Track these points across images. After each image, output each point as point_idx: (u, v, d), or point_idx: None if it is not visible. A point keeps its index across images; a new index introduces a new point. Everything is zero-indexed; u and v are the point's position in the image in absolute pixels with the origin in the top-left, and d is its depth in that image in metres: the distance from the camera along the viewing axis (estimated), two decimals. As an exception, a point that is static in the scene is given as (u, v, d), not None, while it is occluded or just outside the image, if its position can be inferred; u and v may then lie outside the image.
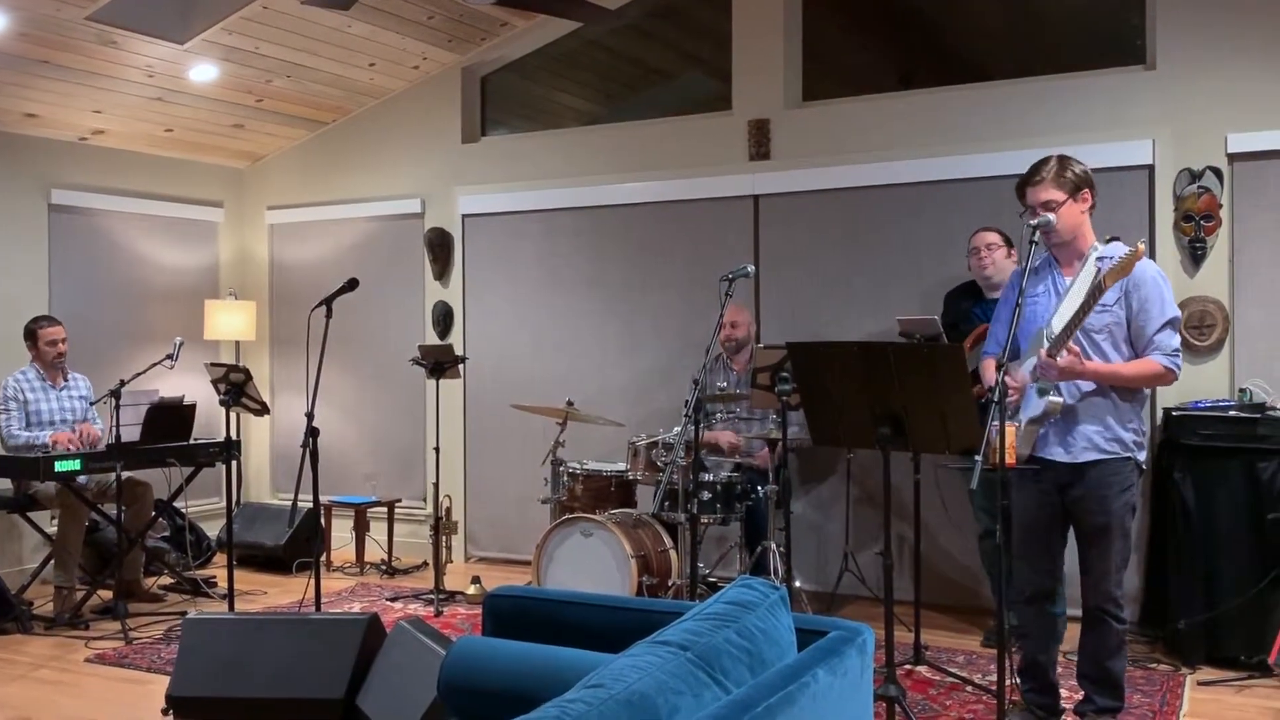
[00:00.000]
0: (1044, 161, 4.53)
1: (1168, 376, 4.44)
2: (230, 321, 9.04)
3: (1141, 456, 4.54)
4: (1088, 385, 4.44)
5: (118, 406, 6.63)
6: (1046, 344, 4.39)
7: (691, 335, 7.63)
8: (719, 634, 2.54)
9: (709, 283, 6.98)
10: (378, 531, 8.58)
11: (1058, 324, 4.42)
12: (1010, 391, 4.41)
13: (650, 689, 2.25)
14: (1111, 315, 4.42)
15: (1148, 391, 4.73)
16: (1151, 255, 6.26)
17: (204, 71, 7.74)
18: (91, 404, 7.40)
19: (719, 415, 7.10)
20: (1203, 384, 6.34)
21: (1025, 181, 4.54)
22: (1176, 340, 4.43)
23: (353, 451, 9.19)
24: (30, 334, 7.17)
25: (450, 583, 7.53)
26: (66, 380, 7.31)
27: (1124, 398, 4.48)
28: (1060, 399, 4.42)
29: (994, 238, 6.19)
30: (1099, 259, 4.47)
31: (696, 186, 7.82)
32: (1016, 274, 4.82)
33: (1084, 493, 4.48)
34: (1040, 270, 4.67)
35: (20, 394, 7.05)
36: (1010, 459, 4.16)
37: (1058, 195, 4.44)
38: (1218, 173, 6.38)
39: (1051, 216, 4.41)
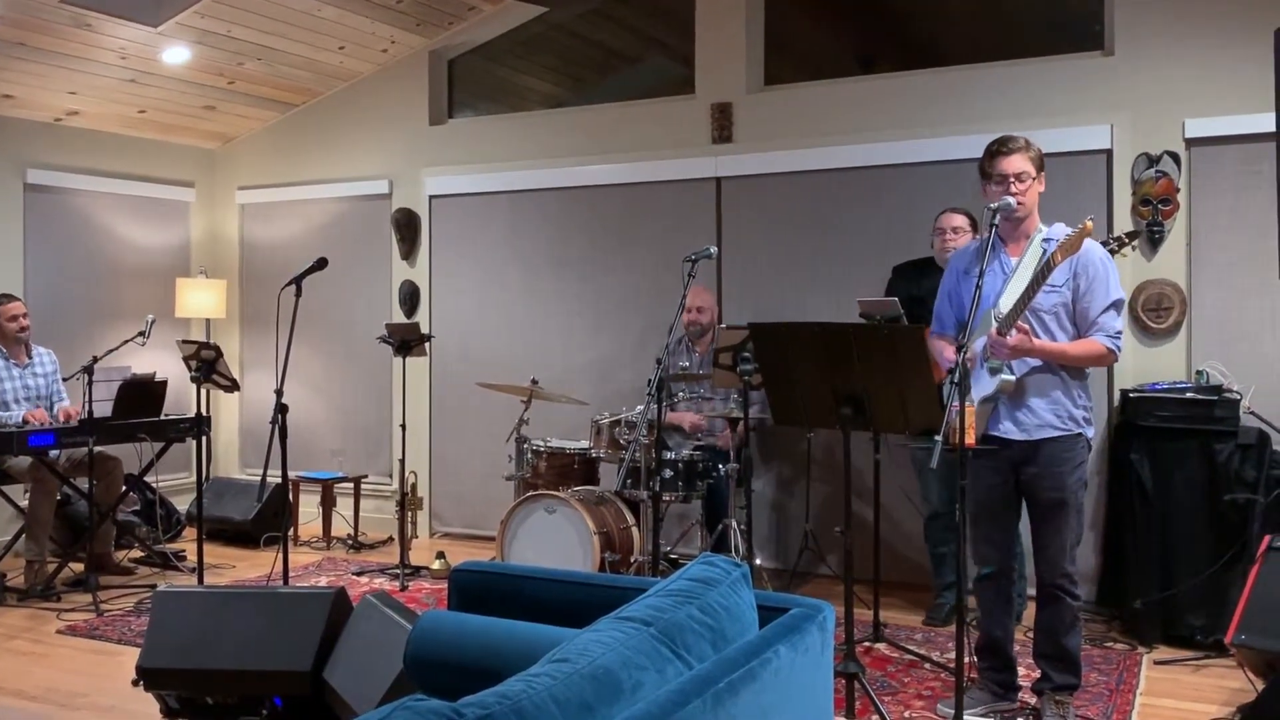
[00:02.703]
0: (1011, 135, 4.55)
1: (1109, 357, 4.52)
2: (201, 300, 9.10)
3: (1090, 433, 4.59)
4: (1035, 361, 4.48)
5: (90, 382, 6.69)
6: (995, 323, 4.41)
7: (655, 316, 7.73)
8: (682, 610, 2.55)
9: (672, 264, 7.10)
10: (344, 507, 8.66)
11: (1005, 303, 4.45)
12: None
13: (614, 663, 2.26)
14: (1059, 295, 4.47)
15: (1091, 370, 4.81)
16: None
17: (176, 54, 7.80)
18: (63, 380, 7.47)
19: (681, 394, 7.18)
20: (1160, 366, 6.42)
21: (999, 149, 4.52)
22: (1119, 323, 4.48)
23: (320, 428, 9.28)
24: None
25: (415, 558, 7.62)
26: (31, 357, 7.34)
27: (1072, 376, 4.54)
28: (1012, 377, 4.46)
29: (960, 220, 6.14)
30: (1045, 240, 4.50)
31: (660, 169, 7.90)
32: (960, 254, 4.88)
33: (1039, 469, 4.53)
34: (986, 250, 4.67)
35: (-17, 372, 7.12)
36: (970, 439, 4.16)
37: (1029, 168, 4.48)
38: (1175, 157, 6.45)
39: (1012, 200, 4.43)
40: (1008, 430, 4.57)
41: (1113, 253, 4.40)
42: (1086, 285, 4.46)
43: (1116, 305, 4.49)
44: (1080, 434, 4.55)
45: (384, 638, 4.34)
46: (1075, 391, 4.56)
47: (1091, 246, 4.46)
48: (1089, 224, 4.20)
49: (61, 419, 7.08)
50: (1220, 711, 4.87)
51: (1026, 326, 4.39)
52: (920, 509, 6.45)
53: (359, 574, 7.49)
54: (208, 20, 7.43)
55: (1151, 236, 6.50)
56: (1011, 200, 4.45)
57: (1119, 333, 4.49)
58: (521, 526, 6.66)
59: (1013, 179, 4.49)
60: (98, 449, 6.86)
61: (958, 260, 4.89)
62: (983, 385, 4.54)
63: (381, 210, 8.98)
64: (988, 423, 4.59)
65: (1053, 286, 4.42)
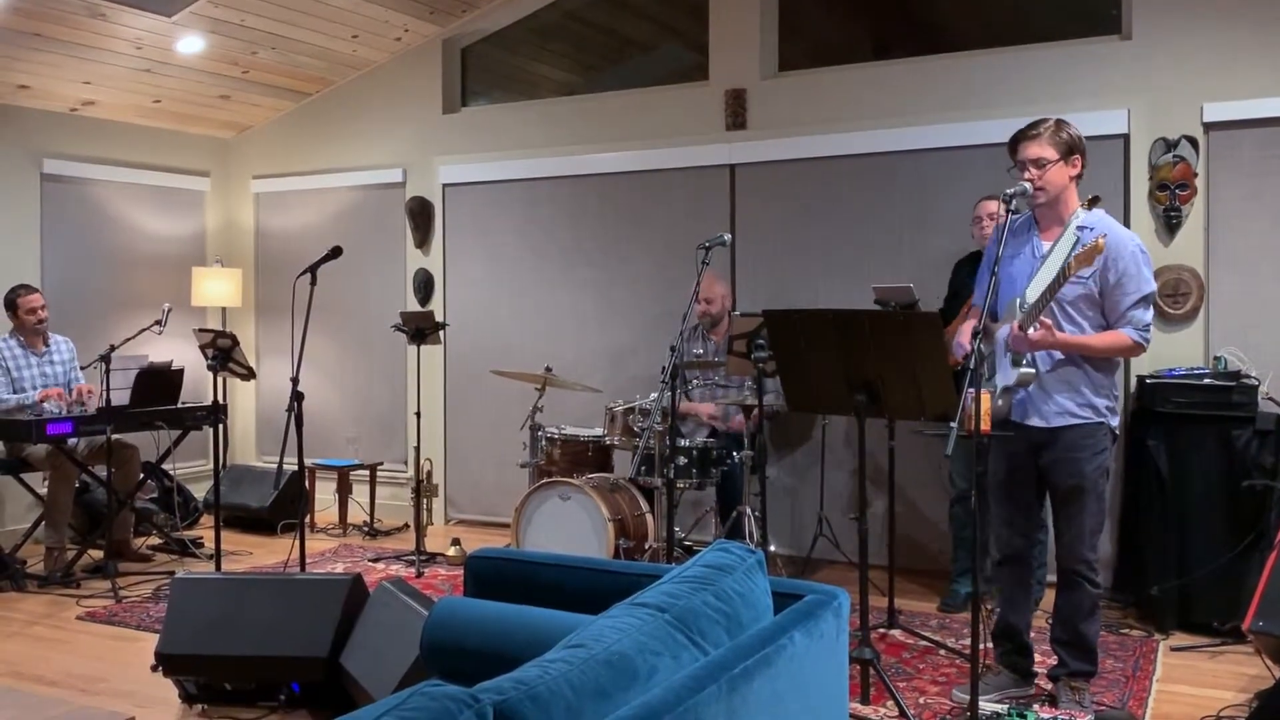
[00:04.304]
0: (1042, 119, 4.52)
1: (1137, 350, 4.46)
2: (217, 288, 9.13)
3: (1114, 422, 4.54)
4: (1059, 354, 4.46)
5: (108, 371, 6.72)
6: (1020, 314, 4.38)
7: (668, 303, 7.74)
8: (697, 596, 2.58)
9: (686, 251, 7.10)
10: (360, 494, 8.71)
11: (1031, 294, 4.40)
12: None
13: (630, 649, 2.29)
14: (1084, 287, 4.41)
15: (1120, 359, 4.78)
16: (1126, 224, 6.25)
17: (191, 44, 7.82)
18: (80, 368, 7.51)
19: (696, 382, 7.18)
20: (1177, 352, 6.38)
21: (1020, 136, 4.50)
22: (1150, 315, 4.42)
23: (336, 415, 9.30)
24: (10, 304, 7.26)
25: (431, 544, 7.67)
26: (48, 345, 7.39)
27: (1097, 366, 4.49)
28: (1033, 370, 4.41)
29: (996, 206, 5.95)
30: (1079, 228, 4.44)
31: (674, 156, 7.88)
32: (994, 236, 4.90)
33: (1057, 456, 4.50)
34: (1020, 232, 4.63)
35: (2, 361, 7.15)
36: (985, 425, 4.14)
37: (1050, 154, 4.42)
38: (1193, 142, 6.40)
39: (1028, 185, 4.40)
40: (1029, 418, 4.54)
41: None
42: (1117, 278, 4.39)
43: (1147, 298, 4.43)
44: (1102, 422, 4.51)
45: (400, 624, 4.37)
46: (1100, 382, 4.51)
47: (1125, 238, 4.42)
48: (1101, 242, 4.12)
49: (75, 397, 7.13)
50: (1237, 698, 4.85)
51: (1049, 322, 4.33)
52: (949, 489, 6.43)
53: (375, 560, 7.52)
54: (221, 9, 7.44)
55: (1169, 221, 6.46)
56: (1027, 186, 4.42)
57: (1148, 325, 4.43)
58: (536, 513, 6.67)
59: (1029, 164, 4.46)
60: (115, 437, 6.92)
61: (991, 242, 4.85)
62: (1006, 374, 4.51)
63: (396, 199, 9.00)
64: (1010, 411, 4.56)
65: (1080, 278, 4.37)
